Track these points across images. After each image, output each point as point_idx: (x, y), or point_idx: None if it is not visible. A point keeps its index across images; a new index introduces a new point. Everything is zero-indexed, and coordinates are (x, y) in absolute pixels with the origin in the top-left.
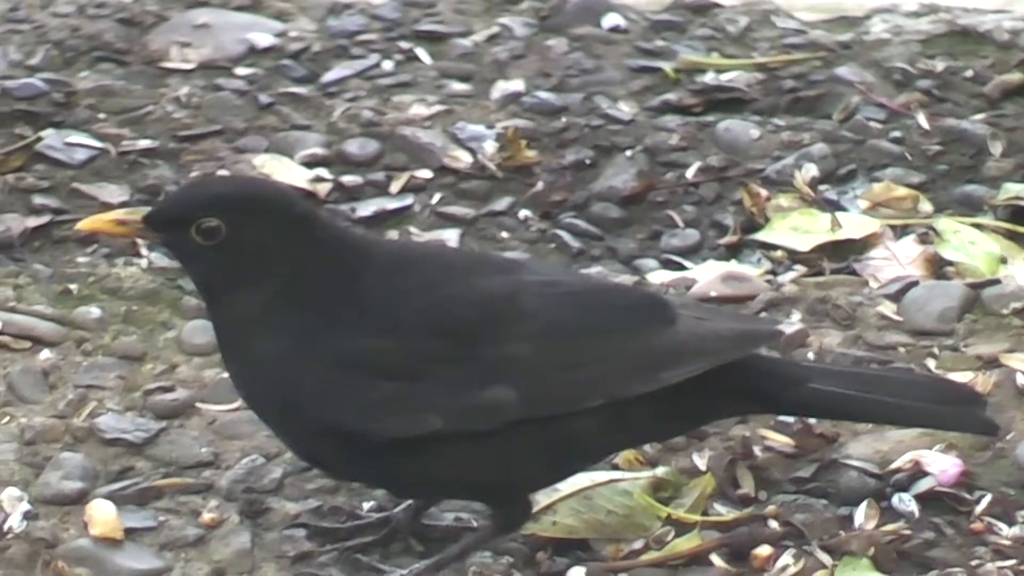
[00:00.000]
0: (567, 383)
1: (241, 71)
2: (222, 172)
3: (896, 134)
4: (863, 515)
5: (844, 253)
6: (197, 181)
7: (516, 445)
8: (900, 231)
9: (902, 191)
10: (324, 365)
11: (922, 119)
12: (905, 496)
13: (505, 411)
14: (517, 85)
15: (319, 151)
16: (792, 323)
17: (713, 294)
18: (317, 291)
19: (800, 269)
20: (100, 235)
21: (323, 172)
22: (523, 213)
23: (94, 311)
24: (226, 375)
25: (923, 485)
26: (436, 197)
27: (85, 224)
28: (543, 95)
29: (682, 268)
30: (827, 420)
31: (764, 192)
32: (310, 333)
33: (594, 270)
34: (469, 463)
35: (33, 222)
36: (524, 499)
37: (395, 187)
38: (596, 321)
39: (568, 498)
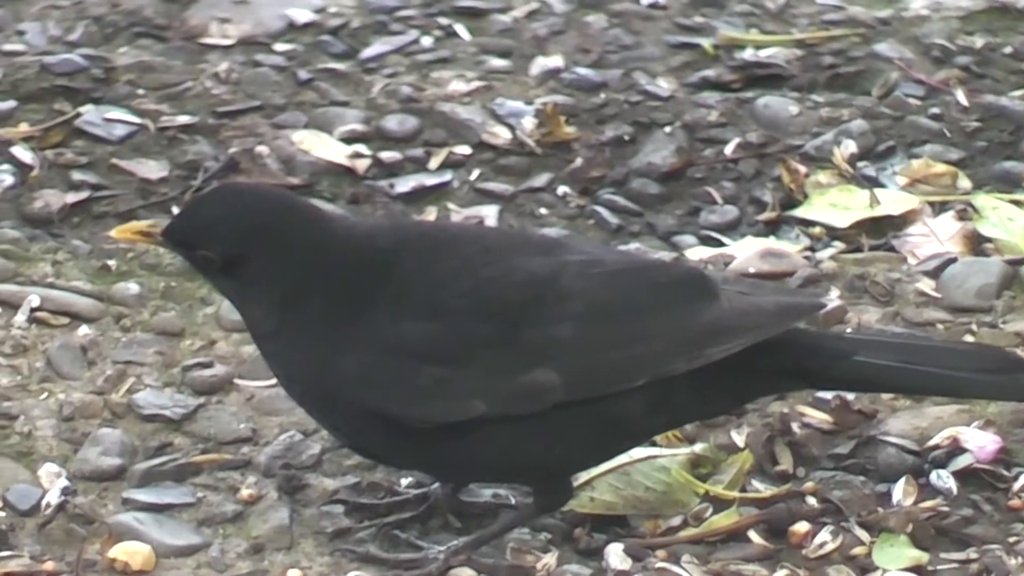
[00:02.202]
0: (610, 363)
1: (280, 47)
2: (261, 148)
3: (935, 110)
4: (901, 492)
5: (883, 229)
6: (199, 200)
7: (560, 427)
8: (939, 208)
9: (941, 167)
10: (365, 352)
11: (961, 95)
12: (943, 473)
13: (549, 394)
14: (556, 61)
15: (358, 127)
16: (831, 299)
17: (751, 270)
18: (343, 288)
19: (838, 245)
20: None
21: (362, 148)
22: (562, 189)
23: (133, 287)
24: None
25: (961, 462)
26: (475, 173)
27: (117, 233)
28: (582, 71)
29: (721, 244)
30: (873, 393)
31: (803, 168)
32: (346, 325)
33: (633, 246)
34: (513, 447)
35: (72, 198)
36: (566, 480)
37: (434, 163)
38: (638, 299)
39: (606, 474)
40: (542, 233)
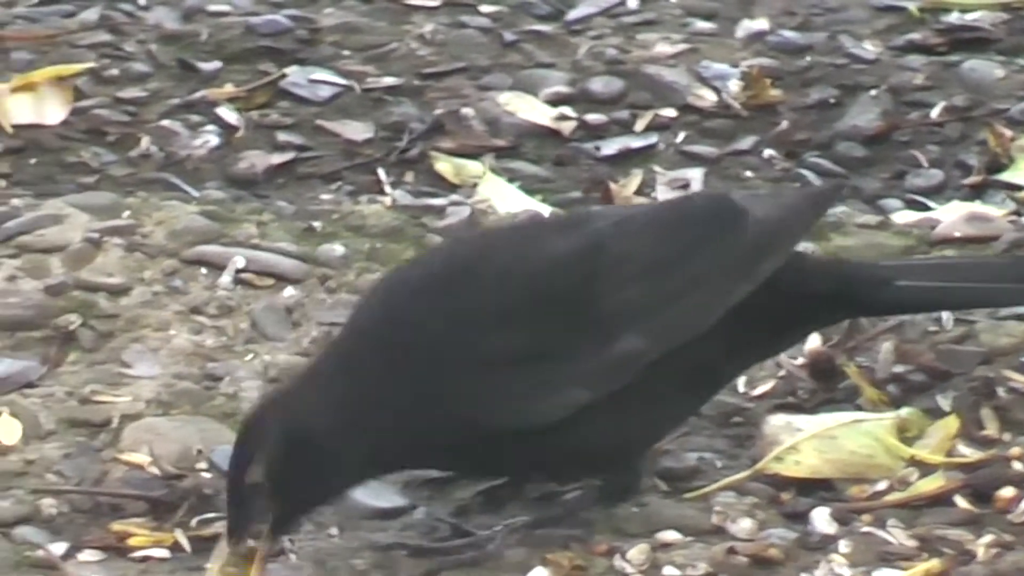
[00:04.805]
0: (684, 310)
1: (486, 8)
2: (466, 110)
3: None
4: None
5: None
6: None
7: (651, 391)
8: None
9: None
10: (458, 376)
11: None
12: None
13: (639, 358)
14: (761, 24)
15: (563, 89)
16: None
17: (956, 234)
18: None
19: None
20: None
21: (567, 110)
22: (767, 152)
23: (338, 248)
24: None
25: None
26: (680, 136)
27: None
28: (787, 34)
29: (926, 208)
30: (920, 314)
31: (1009, 132)
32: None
33: (839, 210)
34: (615, 424)
35: (277, 159)
36: (640, 466)
37: (639, 125)
38: (683, 240)
39: (812, 439)
40: (555, 215)
